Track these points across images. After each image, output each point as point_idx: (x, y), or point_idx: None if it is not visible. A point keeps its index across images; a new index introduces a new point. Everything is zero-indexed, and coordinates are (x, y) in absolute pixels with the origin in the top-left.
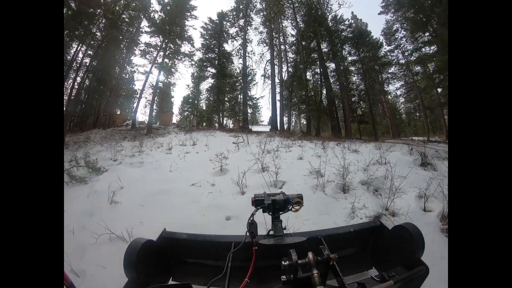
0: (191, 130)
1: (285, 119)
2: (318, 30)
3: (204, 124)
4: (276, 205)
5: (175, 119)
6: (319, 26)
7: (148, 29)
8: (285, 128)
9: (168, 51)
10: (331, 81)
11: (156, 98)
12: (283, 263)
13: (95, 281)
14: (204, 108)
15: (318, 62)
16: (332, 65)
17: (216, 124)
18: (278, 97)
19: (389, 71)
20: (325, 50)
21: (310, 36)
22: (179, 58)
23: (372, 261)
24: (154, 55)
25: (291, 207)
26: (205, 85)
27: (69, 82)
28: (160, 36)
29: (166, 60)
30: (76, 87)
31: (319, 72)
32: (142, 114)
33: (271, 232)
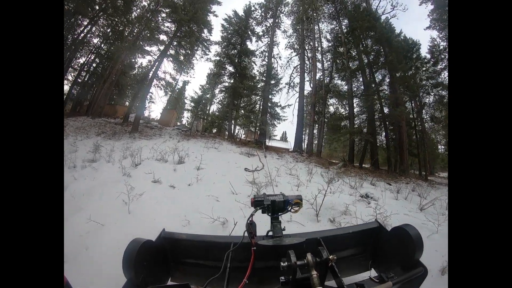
0: (192, 136)
1: (304, 136)
2: (373, 26)
3: (215, 130)
4: (275, 206)
5: (186, 120)
6: (374, 21)
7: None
8: (309, 147)
9: (181, 39)
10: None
11: (165, 94)
12: (282, 264)
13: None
14: (217, 113)
15: (364, 69)
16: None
17: (226, 132)
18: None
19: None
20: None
21: (360, 34)
22: (194, 47)
23: (371, 262)
24: (166, 43)
25: (290, 208)
26: (221, 88)
27: (72, 63)
28: (175, 23)
29: (181, 50)
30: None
31: (366, 80)
32: (152, 112)
33: (270, 233)
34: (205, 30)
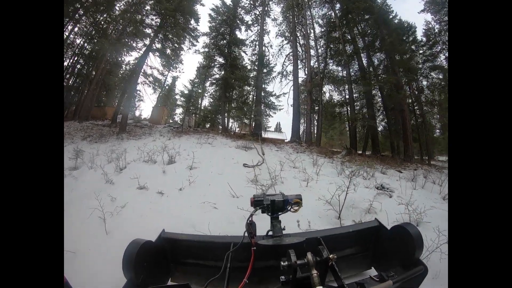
0: (184, 132)
1: (302, 125)
2: (370, 7)
3: (208, 125)
4: (275, 205)
5: (178, 117)
6: (371, 1)
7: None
8: (308, 137)
9: (167, 31)
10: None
11: (153, 91)
12: (282, 263)
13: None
14: (209, 108)
15: (359, 54)
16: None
17: (220, 126)
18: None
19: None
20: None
21: (356, 16)
22: (181, 38)
23: (371, 261)
24: (152, 35)
25: (290, 207)
26: (211, 80)
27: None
28: (160, 15)
29: (168, 43)
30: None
31: (362, 64)
32: (143, 111)
33: (270, 233)
34: (192, 21)
